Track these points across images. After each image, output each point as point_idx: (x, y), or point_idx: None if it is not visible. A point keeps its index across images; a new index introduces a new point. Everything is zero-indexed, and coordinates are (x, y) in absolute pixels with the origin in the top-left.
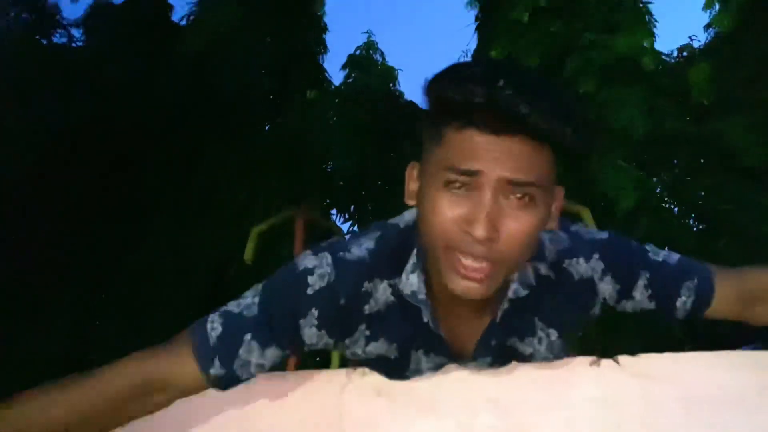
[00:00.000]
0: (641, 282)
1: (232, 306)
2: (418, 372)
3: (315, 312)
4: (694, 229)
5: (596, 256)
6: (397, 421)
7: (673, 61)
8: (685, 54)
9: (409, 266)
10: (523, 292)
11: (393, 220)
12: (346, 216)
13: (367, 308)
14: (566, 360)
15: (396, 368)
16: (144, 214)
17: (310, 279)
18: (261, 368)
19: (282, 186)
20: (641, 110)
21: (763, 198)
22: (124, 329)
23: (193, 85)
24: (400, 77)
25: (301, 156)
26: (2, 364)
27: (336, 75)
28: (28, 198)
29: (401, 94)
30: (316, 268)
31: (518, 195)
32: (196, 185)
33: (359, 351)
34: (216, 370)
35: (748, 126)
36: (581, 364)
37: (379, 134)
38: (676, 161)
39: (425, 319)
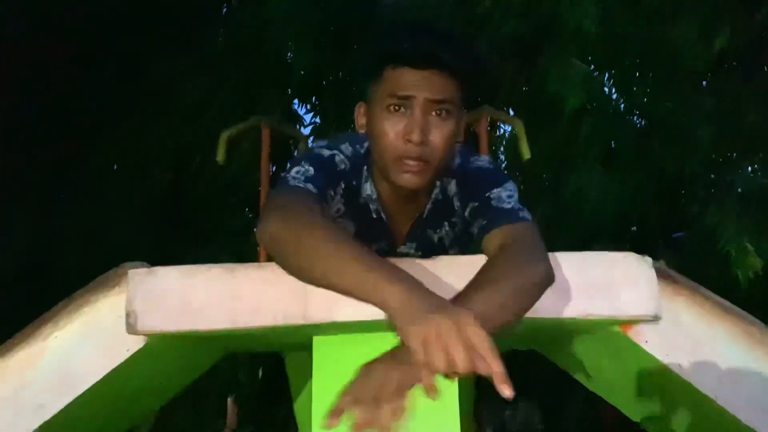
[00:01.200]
0: (469, 209)
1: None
2: None
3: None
4: (638, 126)
5: (456, 181)
6: (351, 304)
7: None
8: None
9: (363, 178)
10: (441, 197)
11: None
12: (308, 107)
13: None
14: (456, 257)
15: None
16: (99, 112)
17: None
18: None
19: (240, 78)
20: (596, 8)
21: (701, 99)
22: (82, 227)
23: None
24: None
25: (259, 47)
26: None
27: None
28: None
29: None
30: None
31: (437, 111)
32: (151, 81)
33: (336, 214)
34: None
35: (692, 28)
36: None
37: (336, 28)
38: (625, 60)
39: (374, 215)
